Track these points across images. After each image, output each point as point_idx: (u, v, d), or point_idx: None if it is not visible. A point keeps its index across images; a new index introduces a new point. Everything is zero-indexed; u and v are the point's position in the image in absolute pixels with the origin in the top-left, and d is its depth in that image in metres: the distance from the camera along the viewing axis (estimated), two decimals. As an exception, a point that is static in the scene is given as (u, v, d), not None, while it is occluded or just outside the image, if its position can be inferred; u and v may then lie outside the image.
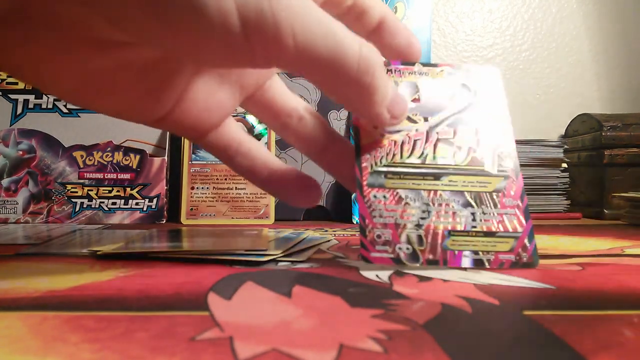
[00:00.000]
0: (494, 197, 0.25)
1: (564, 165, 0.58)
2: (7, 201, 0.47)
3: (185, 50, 0.18)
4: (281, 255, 0.27)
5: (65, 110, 0.49)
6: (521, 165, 0.53)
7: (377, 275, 0.23)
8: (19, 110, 0.49)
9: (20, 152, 0.48)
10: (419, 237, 0.25)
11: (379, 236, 0.24)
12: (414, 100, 0.27)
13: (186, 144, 0.50)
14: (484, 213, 0.25)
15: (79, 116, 0.49)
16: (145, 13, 0.16)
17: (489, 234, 0.25)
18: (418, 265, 0.24)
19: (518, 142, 0.56)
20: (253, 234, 0.36)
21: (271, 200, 0.50)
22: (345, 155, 0.26)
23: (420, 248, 0.24)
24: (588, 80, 0.73)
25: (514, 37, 0.72)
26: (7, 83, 0.49)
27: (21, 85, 0.49)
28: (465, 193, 0.25)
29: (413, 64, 0.27)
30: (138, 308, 0.17)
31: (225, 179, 0.50)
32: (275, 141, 0.51)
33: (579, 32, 0.72)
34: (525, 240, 0.25)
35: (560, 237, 0.37)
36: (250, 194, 0.50)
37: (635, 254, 0.29)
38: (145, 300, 0.18)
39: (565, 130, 0.67)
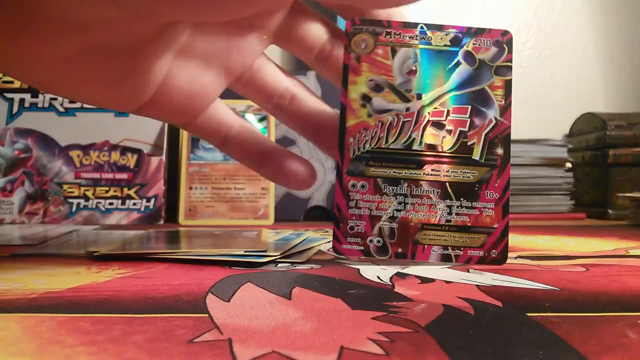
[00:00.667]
0: (476, 188, 0.25)
1: (568, 164, 0.58)
2: (3, 201, 0.47)
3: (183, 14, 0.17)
4: (281, 256, 0.27)
5: (61, 110, 0.49)
6: (525, 165, 0.54)
7: (378, 277, 0.22)
8: (15, 110, 0.48)
9: (16, 152, 0.47)
10: (391, 229, 0.25)
11: (352, 227, 0.25)
12: (410, 73, 0.25)
13: (184, 144, 0.50)
14: (461, 206, 0.25)
15: (76, 115, 0.49)
16: None
17: (463, 228, 0.25)
18: (386, 258, 0.25)
19: (522, 141, 0.55)
20: (252, 234, 0.36)
21: (271, 201, 0.49)
22: None
23: (390, 241, 0.25)
24: (592, 79, 0.73)
25: (517, 35, 0.72)
26: (3, 82, 0.48)
27: (17, 84, 0.48)
28: (447, 184, 0.25)
29: (416, 25, 0.25)
30: (135, 310, 0.17)
31: (224, 179, 0.49)
32: (276, 140, 0.51)
33: (583, 30, 0.72)
34: (498, 237, 0.25)
35: (564, 237, 0.37)
36: (249, 194, 0.49)
37: None
38: (143, 302, 0.18)
39: (570, 129, 0.67)
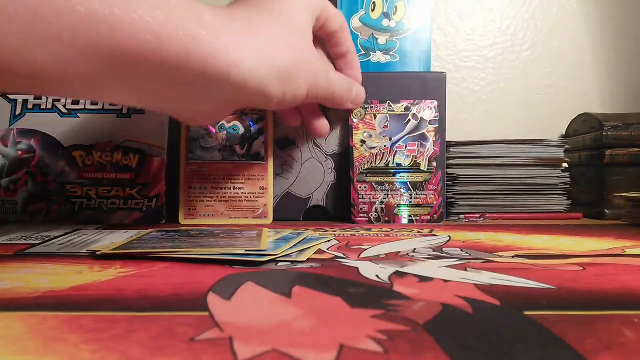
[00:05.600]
0: (423, 184, 0.47)
1: (565, 165, 0.58)
2: (7, 201, 0.47)
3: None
4: (281, 255, 0.27)
5: (64, 111, 0.49)
6: (522, 165, 0.57)
7: (377, 276, 0.23)
8: (18, 111, 0.49)
9: (20, 152, 0.47)
10: (382, 208, 0.47)
11: (361, 208, 0.47)
12: (385, 127, 0.48)
13: (183, 143, 0.50)
14: (416, 194, 0.47)
15: (78, 116, 0.49)
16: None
17: (418, 205, 0.47)
18: (381, 223, 0.46)
19: (519, 142, 0.55)
20: (253, 234, 0.36)
21: (269, 200, 0.50)
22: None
23: (381, 214, 0.47)
24: (589, 79, 0.73)
25: (514, 36, 0.72)
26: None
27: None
28: (408, 183, 0.47)
29: (385, 101, 0.48)
30: (137, 308, 0.17)
31: (223, 178, 0.50)
32: (275, 141, 0.51)
33: (580, 31, 0.72)
34: (437, 209, 0.47)
35: (561, 237, 0.37)
36: (248, 193, 0.49)
37: (636, 254, 0.29)
38: (145, 300, 0.18)
39: (566, 130, 0.67)
